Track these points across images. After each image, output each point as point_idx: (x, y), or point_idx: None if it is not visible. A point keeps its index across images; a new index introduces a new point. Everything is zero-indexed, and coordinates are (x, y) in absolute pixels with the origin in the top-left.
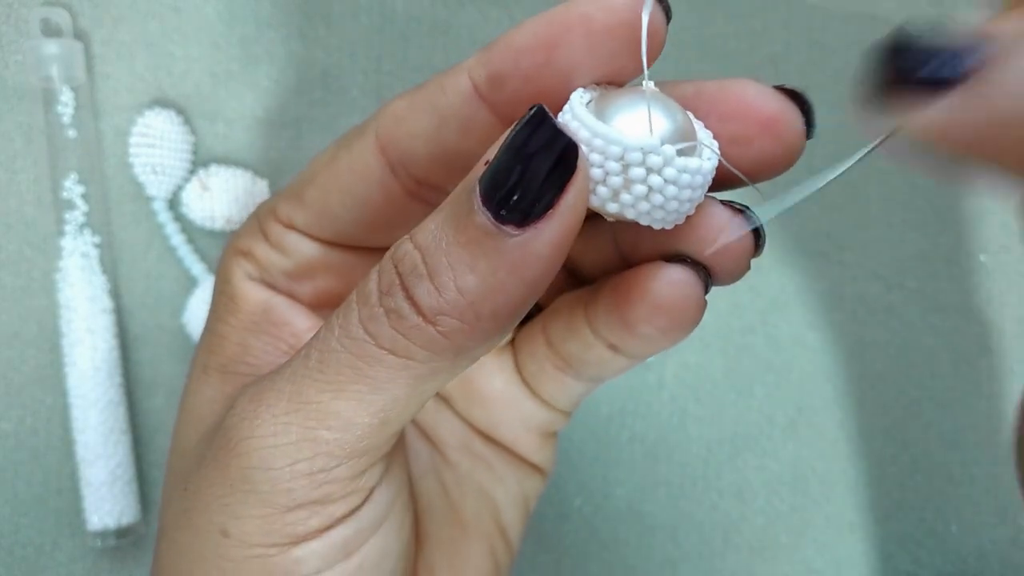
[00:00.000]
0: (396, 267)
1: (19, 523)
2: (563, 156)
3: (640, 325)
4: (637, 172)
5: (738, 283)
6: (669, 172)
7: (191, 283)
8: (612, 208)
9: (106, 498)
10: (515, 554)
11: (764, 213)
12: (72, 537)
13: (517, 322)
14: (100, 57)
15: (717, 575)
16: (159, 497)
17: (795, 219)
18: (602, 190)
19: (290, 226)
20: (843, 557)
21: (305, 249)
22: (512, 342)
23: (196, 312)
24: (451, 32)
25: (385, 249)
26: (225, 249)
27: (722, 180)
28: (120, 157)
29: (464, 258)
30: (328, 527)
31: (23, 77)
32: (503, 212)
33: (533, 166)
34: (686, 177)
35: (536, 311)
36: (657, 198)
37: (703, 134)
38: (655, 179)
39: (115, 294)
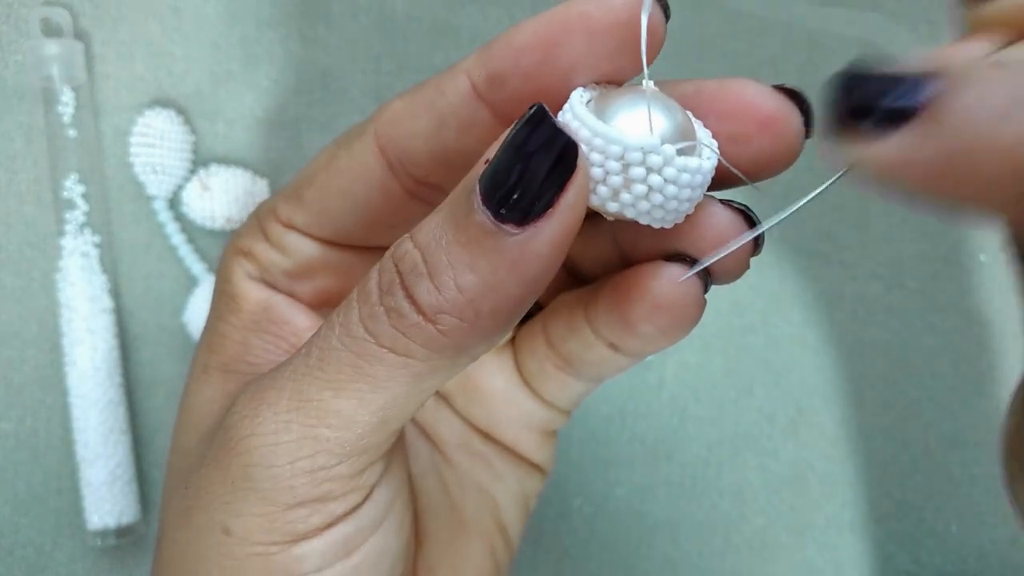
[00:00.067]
0: (396, 266)
1: (19, 523)
2: (563, 155)
3: (640, 324)
4: (637, 171)
5: (738, 282)
6: (669, 171)
7: (191, 283)
8: (612, 207)
9: (106, 498)
10: (515, 553)
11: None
12: (72, 537)
13: (517, 321)
14: (100, 57)
15: (717, 575)
16: (159, 497)
17: (795, 219)
18: (602, 189)
19: (290, 226)
20: (843, 557)
21: (305, 249)
22: (512, 341)
23: (196, 312)
24: (451, 32)
25: (385, 248)
26: (225, 249)
27: (721, 179)
28: (120, 157)
29: (464, 257)
30: (329, 525)
31: (23, 77)
32: (503, 211)
33: (533, 165)
34: (686, 176)
35: (536, 310)
36: (657, 197)
37: (703, 133)
38: (655, 178)
39: (115, 294)
